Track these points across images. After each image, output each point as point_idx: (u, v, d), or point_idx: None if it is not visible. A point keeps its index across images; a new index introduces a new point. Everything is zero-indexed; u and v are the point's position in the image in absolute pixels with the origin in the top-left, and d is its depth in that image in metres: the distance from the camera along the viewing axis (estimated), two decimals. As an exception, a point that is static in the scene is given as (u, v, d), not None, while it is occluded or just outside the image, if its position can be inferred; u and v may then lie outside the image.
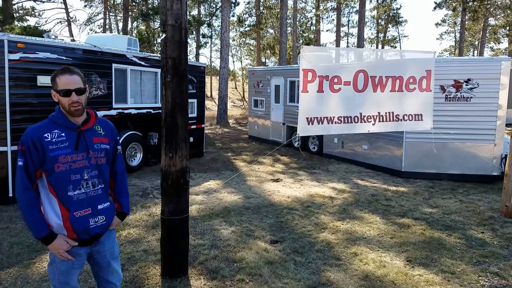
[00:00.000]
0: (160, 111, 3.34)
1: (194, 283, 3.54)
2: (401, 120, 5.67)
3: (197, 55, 31.21)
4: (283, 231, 4.88)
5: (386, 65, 5.62)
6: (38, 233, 2.07)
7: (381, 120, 5.52)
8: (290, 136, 11.97)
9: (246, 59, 51.11)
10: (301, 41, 35.40)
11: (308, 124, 5.06)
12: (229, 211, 5.61)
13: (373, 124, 5.49)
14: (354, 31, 43.43)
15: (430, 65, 5.70)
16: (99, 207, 2.22)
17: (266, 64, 43.17)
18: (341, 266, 3.92)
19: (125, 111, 8.08)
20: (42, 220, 2.09)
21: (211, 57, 43.40)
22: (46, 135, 2.07)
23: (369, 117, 5.43)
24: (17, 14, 20.27)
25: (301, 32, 37.89)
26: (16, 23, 19.07)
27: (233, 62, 50.76)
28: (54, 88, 2.14)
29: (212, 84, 37.14)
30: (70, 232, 2.14)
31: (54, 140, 2.08)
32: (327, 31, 62.46)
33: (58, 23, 30.19)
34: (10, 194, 5.84)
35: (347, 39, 45.46)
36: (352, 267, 3.90)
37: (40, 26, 21.79)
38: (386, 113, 5.54)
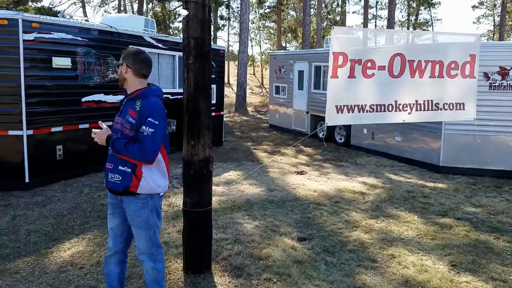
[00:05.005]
0: (179, 96, 3.26)
1: (218, 280, 3.47)
2: (440, 109, 5.42)
3: (215, 38, 31.04)
4: (310, 227, 4.75)
5: (425, 48, 5.36)
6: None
7: (418, 109, 5.27)
8: (314, 125, 11.75)
9: (266, 43, 50.59)
10: (325, 23, 34.75)
11: (337, 112, 4.87)
12: (251, 204, 5.52)
13: (409, 113, 5.25)
14: (383, 13, 42.36)
15: (474, 49, 5.41)
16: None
17: (287, 48, 42.64)
18: (378, 269, 3.77)
19: (142, 96, 8.02)
20: None
21: (228, 41, 43.23)
22: None
23: (405, 106, 5.19)
24: (31, -6, 20.51)
25: (325, 13, 37.16)
26: (30, 3, 19.33)
27: (252, 46, 50.24)
28: None
29: (229, 70, 36.96)
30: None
31: None
32: (353, 13, 61.31)
33: (72, 4, 30.56)
34: (27, 180, 5.89)
35: (375, 21, 44.33)
36: (390, 270, 3.74)
37: (54, 7, 22.04)
38: (424, 101, 5.29)
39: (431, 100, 5.31)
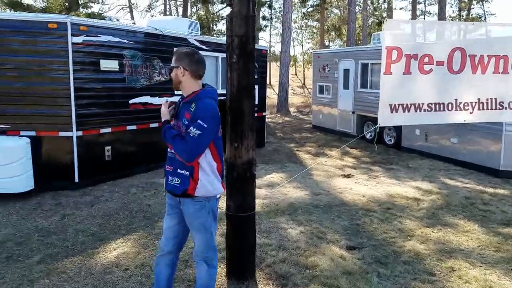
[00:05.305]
0: (222, 98, 3.16)
1: (263, 289, 3.35)
2: (505, 108, 4.97)
3: (257, 39, 31.12)
4: (360, 235, 4.51)
5: (488, 42, 4.93)
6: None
7: (480, 108, 4.86)
8: (361, 126, 11.34)
9: (308, 42, 49.98)
10: (370, 20, 33.75)
11: (391, 112, 4.57)
12: (295, 209, 5.35)
13: (471, 113, 4.85)
14: (432, 9, 40.50)
15: None
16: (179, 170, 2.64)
17: (330, 47, 41.86)
18: (436, 283, 3.47)
19: (186, 98, 8.10)
20: None
21: (270, 41, 43.12)
22: None
23: (466, 104, 4.80)
24: (82, 1, 21.60)
25: (371, 10, 36.09)
26: (81, 10, 20.36)
27: (294, 46, 49.84)
28: None
29: (271, 71, 36.86)
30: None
31: None
32: (400, 9, 59.16)
33: (120, 9, 31.93)
34: (76, 180, 6.10)
35: (424, 18, 42.43)
36: (450, 285, 3.44)
37: (103, 13, 23.09)
38: (487, 99, 4.88)
39: (495, 99, 4.89)
